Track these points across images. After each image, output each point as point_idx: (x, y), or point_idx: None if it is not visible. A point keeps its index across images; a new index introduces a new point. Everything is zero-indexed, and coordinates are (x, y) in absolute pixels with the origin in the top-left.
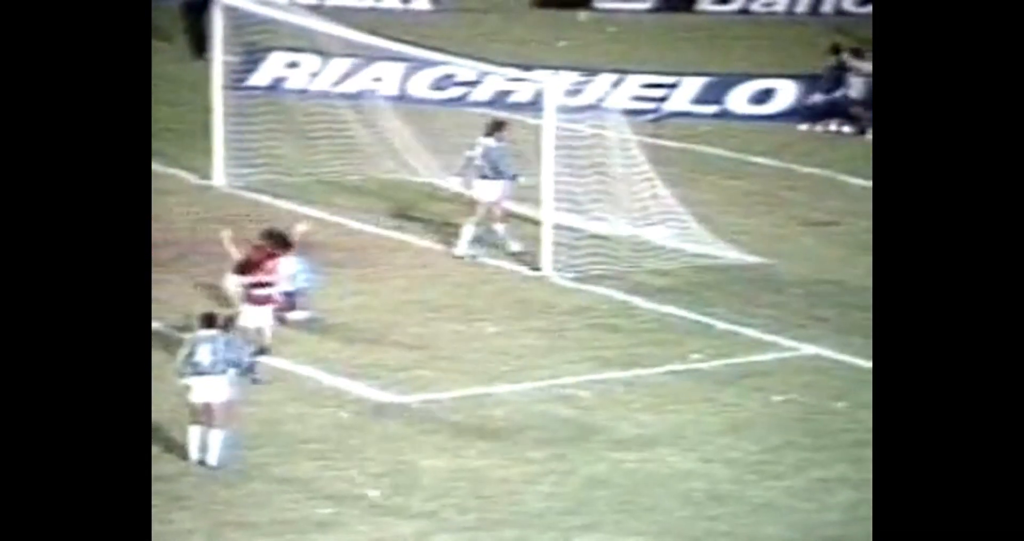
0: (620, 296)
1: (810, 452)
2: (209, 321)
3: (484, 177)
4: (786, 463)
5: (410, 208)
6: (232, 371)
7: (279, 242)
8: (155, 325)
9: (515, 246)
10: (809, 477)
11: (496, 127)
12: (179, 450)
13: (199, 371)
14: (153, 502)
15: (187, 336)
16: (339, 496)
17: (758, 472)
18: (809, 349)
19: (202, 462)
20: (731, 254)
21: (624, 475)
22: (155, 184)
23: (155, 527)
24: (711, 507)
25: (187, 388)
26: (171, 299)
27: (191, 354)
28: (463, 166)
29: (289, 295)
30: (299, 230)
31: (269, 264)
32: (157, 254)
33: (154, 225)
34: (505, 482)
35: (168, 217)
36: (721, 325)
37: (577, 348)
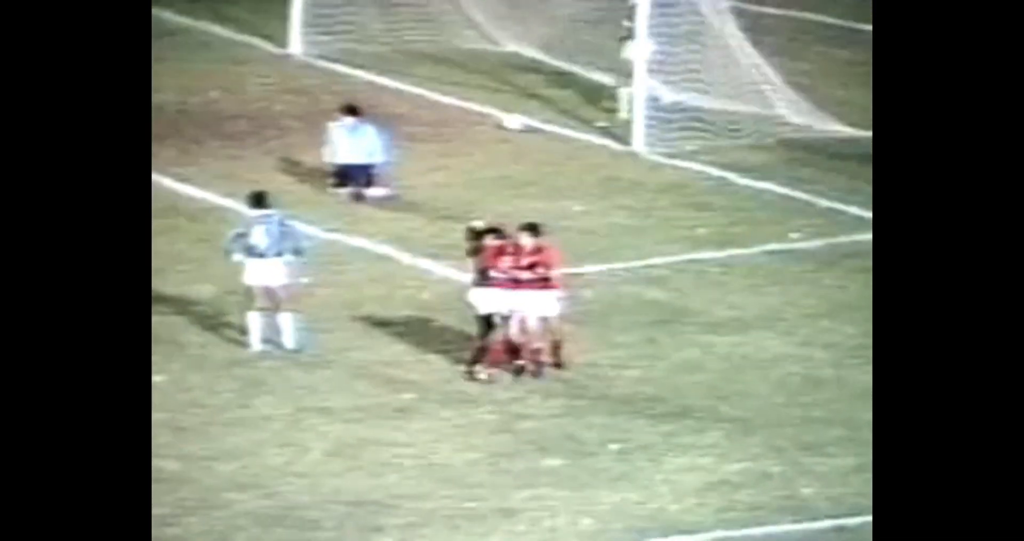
0: (715, 172)
1: None
2: (259, 200)
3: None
4: None
5: (493, 79)
6: (290, 255)
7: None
8: (226, 202)
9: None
10: None
11: None
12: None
13: (256, 254)
14: (231, 387)
15: (250, 214)
16: (421, 382)
17: (859, 356)
18: None
19: (278, 346)
20: (834, 127)
21: (717, 360)
22: (229, 53)
23: (236, 413)
24: (808, 393)
25: (242, 270)
26: (245, 174)
27: (245, 235)
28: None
29: (366, 169)
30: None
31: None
32: (231, 127)
33: (229, 96)
34: (592, 366)
35: (242, 88)
36: (822, 202)
37: (669, 227)
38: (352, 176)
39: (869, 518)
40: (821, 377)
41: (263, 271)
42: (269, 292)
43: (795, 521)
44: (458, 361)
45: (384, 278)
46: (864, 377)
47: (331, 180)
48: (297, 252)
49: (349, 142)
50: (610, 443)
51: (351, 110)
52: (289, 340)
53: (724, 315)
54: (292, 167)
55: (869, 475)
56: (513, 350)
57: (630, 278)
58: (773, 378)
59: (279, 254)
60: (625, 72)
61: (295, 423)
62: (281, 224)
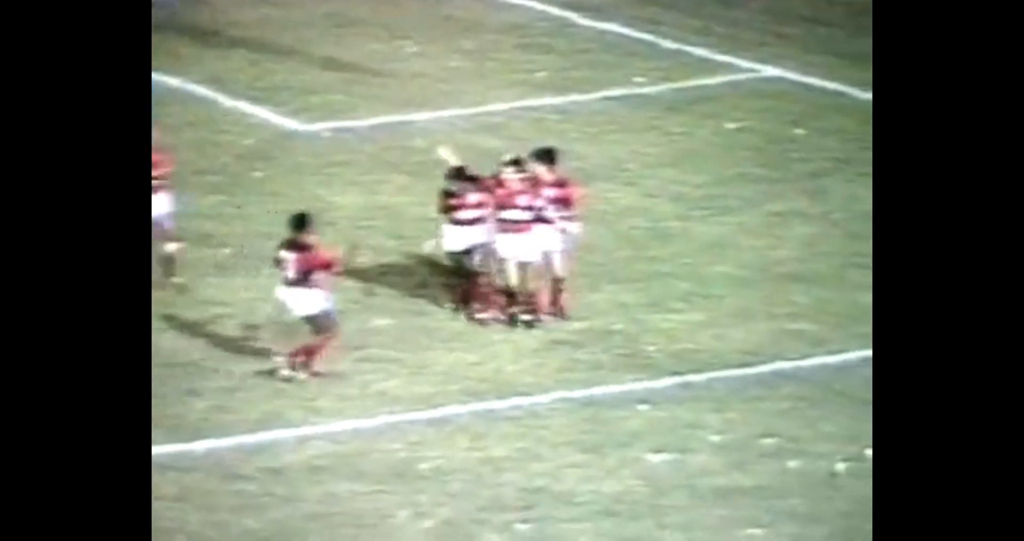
0: (555, 12)
1: (765, 184)
2: None
3: None
4: (738, 196)
5: None
6: None
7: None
8: None
9: None
10: (763, 211)
11: None
12: None
13: None
14: None
15: None
16: (242, 235)
17: (707, 207)
18: (769, 70)
19: None
20: None
21: None
22: None
23: None
24: (653, 246)
25: None
26: None
27: None
28: None
29: None
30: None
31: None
32: None
33: None
34: (425, 221)
35: None
36: (668, 44)
37: (507, 71)
38: None
39: (715, 374)
40: (667, 230)
41: None
42: None
43: (637, 379)
44: (284, 213)
45: (201, 122)
46: (712, 229)
47: None
48: None
49: None
50: (445, 303)
51: None
52: None
53: (564, 165)
54: None
55: (717, 330)
56: (510, 296)
57: (465, 126)
58: (617, 231)
59: None
60: None
61: None
62: None
